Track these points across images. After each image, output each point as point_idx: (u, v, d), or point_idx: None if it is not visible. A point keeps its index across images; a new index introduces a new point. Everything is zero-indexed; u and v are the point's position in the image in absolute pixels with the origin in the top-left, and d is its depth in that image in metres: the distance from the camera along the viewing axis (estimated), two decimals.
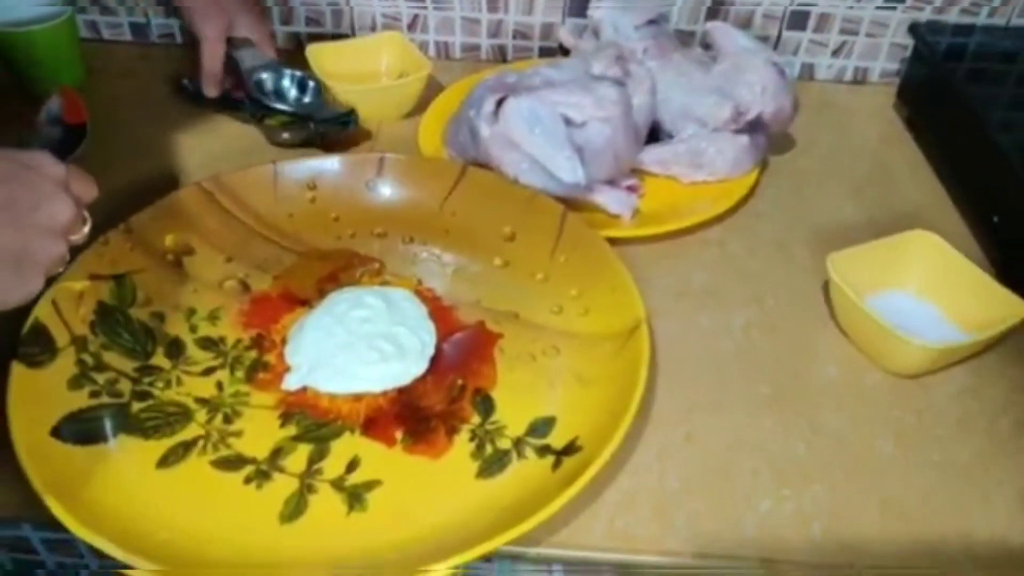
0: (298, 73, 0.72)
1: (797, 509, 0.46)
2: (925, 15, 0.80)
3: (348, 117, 0.69)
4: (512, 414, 0.50)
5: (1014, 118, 0.69)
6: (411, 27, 0.84)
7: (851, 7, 0.80)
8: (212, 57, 0.71)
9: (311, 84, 0.72)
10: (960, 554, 0.45)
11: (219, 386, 0.51)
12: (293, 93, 0.71)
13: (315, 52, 0.76)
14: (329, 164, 0.63)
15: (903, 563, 0.44)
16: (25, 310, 0.50)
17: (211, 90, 0.73)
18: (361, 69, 0.78)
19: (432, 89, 0.77)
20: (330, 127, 0.69)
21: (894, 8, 0.80)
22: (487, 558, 0.42)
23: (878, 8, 0.80)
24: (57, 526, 0.41)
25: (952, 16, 0.80)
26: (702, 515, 0.46)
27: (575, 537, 0.44)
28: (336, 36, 0.84)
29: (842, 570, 0.44)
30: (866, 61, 0.84)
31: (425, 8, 0.83)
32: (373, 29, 0.84)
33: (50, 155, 0.44)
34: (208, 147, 0.72)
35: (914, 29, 0.79)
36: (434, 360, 0.53)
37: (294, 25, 0.84)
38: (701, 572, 0.44)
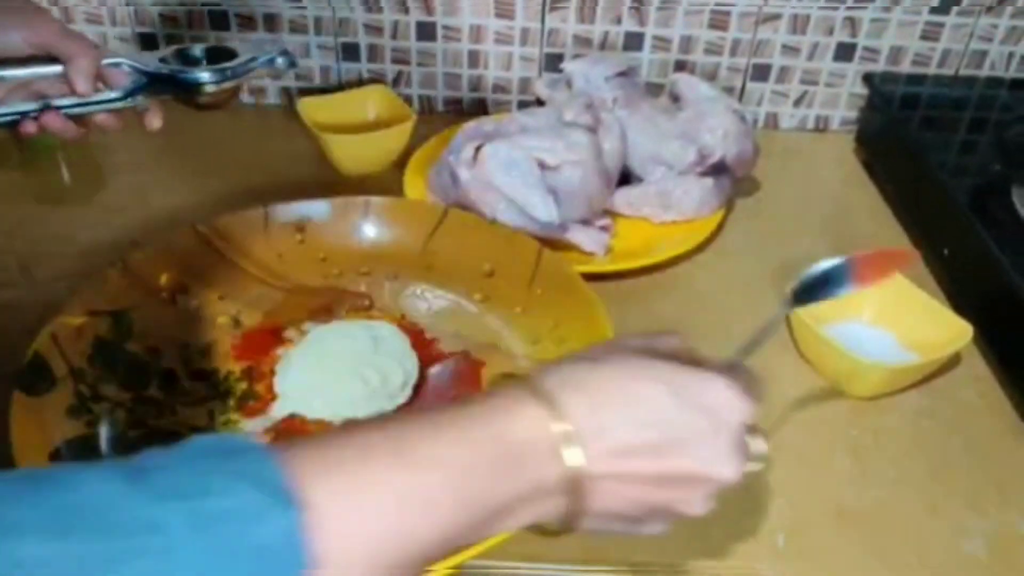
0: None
1: (761, 520, 0.49)
2: (880, 67, 0.86)
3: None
4: None
5: (961, 161, 0.73)
6: (395, 82, 0.89)
7: (809, 59, 0.85)
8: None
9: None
10: (913, 558, 0.47)
11: (211, 415, 0.54)
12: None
13: (306, 105, 0.80)
14: (318, 208, 0.67)
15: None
16: (28, 341, 0.53)
17: None
18: (349, 120, 0.82)
19: (416, 140, 0.81)
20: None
21: (850, 60, 0.85)
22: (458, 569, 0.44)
23: (834, 60, 0.85)
24: None
25: (905, 67, 0.86)
26: (671, 527, 0.48)
27: (547, 551, 0.46)
28: (324, 91, 0.88)
29: None
30: (827, 110, 0.89)
31: (409, 65, 0.88)
32: (360, 85, 0.89)
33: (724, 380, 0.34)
34: (208, 190, 0.76)
35: (868, 79, 0.84)
36: (419, 388, 0.56)
37: (284, 80, 0.89)
38: None
